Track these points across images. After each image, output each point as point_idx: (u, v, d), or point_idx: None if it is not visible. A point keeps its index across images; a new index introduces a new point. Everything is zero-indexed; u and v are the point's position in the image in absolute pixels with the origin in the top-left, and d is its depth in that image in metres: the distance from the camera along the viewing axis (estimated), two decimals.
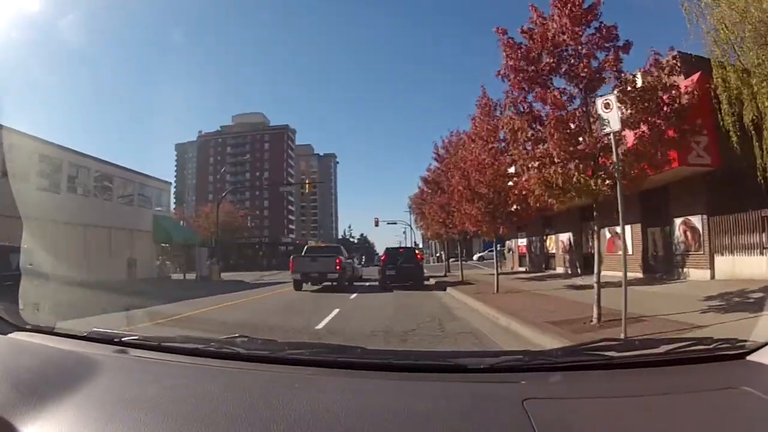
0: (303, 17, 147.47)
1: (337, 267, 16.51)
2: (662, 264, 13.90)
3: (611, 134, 5.93)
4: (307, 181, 33.80)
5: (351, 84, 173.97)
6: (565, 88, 6.89)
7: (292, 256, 17.80)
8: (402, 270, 17.70)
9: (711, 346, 1.48)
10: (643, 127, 6.77)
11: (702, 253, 12.22)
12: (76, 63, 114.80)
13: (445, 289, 15.40)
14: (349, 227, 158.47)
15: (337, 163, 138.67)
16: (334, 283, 16.65)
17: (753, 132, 9.39)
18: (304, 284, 16.61)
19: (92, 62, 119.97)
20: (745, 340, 1.45)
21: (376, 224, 58.59)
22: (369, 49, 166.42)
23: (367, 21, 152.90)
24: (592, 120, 6.78)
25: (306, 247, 19.27)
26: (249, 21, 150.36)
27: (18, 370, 1.35)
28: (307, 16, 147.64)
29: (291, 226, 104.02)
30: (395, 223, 67.31)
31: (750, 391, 1.12)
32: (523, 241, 26.22)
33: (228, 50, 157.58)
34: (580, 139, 6.84)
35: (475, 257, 48.90)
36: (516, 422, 1.02)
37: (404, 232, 77.12)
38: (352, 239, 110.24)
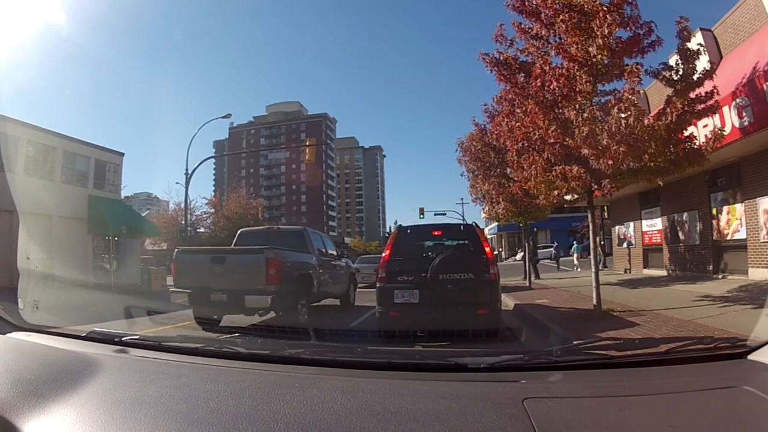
0: (351, 14, 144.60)
1: (270, 278, 6.94)
2: None
3: None
4: (307, 142, 24.06)
5: (396, 77, 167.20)
6: None
7: (175, 253, 8.09)
8: (440, 291, 5.98)
9: (711, 345, 1.46)
10: None
11: None
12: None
13: None
14: (395, 223, 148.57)
15: (384, 156, 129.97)
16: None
17: None
18: (208, 314, 7.17)
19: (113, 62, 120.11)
20: (746, 339, 1.43)
21: (421, 214, 48.24)
22: (416, 42, 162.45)
23: (413, 15, 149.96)
24: None
25: (239, 232, 9.86)
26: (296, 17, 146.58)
27: (18, 370, 1.32)
28: (355, 13, 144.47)
29: (331, 223, 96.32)
30: (444, 214, 56.05)
31: (750, 391, 1.11)
32: (654, 224, 14.88)
33: (269, 41, 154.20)
34: None
35: (518, 256, 40.14)
36: (516, 421, 1.01)
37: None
38: None
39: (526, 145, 6.93)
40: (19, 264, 11.96)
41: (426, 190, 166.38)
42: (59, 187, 19.43)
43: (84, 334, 1.76)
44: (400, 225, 7.70)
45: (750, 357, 1.36)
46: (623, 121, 5.82)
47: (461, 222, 15.28)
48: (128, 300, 12.92)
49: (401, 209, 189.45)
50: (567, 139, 6.31)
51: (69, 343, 1.67)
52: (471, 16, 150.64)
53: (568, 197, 9.29)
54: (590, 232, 7.83)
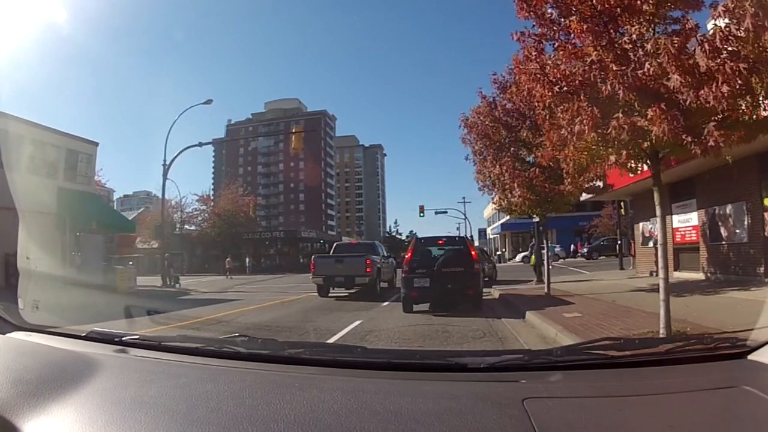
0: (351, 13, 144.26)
1: (367, 269, 13.36)
2: None
3: None
4: (293, 130, 22.36)
5: (396, 76, 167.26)
6: None
7: (312, 257, 14.78)
8: (443, 279, 9.11)
9: (711, 345, 1.46)
10: None
11: None
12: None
13: None
14: (395, 222, 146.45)
15: (385, 155, 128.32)
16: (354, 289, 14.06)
17: None
18: (329, 290, 13.86)
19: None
20: (746, 339, 1.43)
21: (421, 212, 46.54)
22: (416, 41, 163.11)
23: (413, 15, 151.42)
24: None
25: (335, 245, 16.81)
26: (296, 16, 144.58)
27: (18, 370, 1.32)
28: (356, 12, 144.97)
29: (330, 222, 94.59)
30: (445, 212, 54.19)
31: (750, 391, 1.11)
32: (688, 219, 13.02)
33: (272, 39, 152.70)
34: None
35: (518, 257, 39.82)
36: (516, 422, 1.00)
37: (458, 228, 64.64)
38: (399, 236, 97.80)
39: (564, 89, 4.85)
40: (19, 264, 11.56)
41: (426, 189, 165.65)
42: (25, 179, 17.71)
43: (84, 334, 1.76)
44: (417, 236, 11.21)
45: (750, 357, 1.35)
46: (732, 27, 3.82)
47: (457, 235, 20.32)
48: (86, 301, 11.34)
49: (402, 209, 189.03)
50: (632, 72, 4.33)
51: (69, 343, 1.67)
52: (471, 15, 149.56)
53: (599, 184, 7.40)
54: (657, 219, 5.84)
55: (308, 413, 1.05)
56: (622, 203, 20.13)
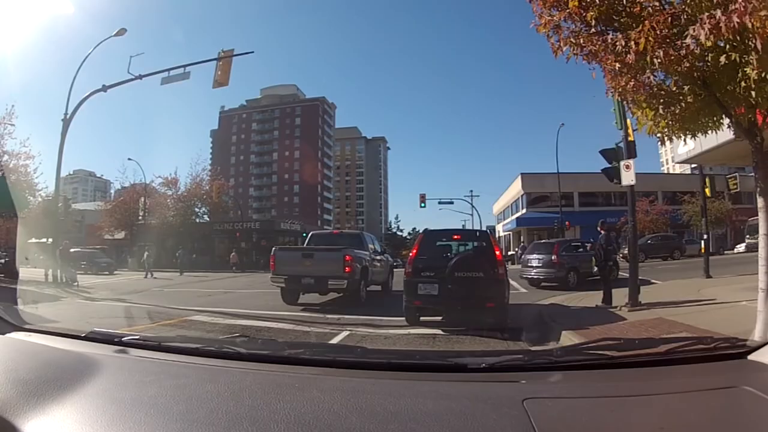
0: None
1: (346, 268, 9.68)
2: None
3: None
4: (220, 53, 16.09)
5: (399, 72, 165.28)
6: None
7: (273, 250, 10.69)
8: (456, 286, 6.95)
9: (711, 346, 1.44)
10: None
11: None
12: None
13: None
14: (396, 218, 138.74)
15: (388, 148, 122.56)
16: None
17: None
18: (295, 295, 10.21)
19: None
20: (746, 340, 1.42)
21: (422, 202, 40.50)
22: (419, 38, 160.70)
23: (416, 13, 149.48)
24: None
25: (310, 234, 12.89)
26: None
27: (18, 370, 1.32)
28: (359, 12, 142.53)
29: (327, 217, 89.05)
30: (451, 203, 47.04)
31: (750, 391, 1.10)
32: None
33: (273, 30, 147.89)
34: None
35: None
36: (516, 422, 1.00)
37: (463, 225, 58.12)
38: (400, 233, 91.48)
39: None
40: (18, 264, 11.71)
41: (430, 186, 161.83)
42: None
43: (84, 334, 1.75)
44: (426, 228, 9.19)
45: (750, 357, 1.35)
46: None
47: (477, 229, 16.60)
48: None
49: (404, 205, 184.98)
50: None
51: (69, 343, 1.66)
52: (475, 14, 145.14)
53: None
54: None
55: (308, 413, 1.05)
56: (707, 180, 14.03)
